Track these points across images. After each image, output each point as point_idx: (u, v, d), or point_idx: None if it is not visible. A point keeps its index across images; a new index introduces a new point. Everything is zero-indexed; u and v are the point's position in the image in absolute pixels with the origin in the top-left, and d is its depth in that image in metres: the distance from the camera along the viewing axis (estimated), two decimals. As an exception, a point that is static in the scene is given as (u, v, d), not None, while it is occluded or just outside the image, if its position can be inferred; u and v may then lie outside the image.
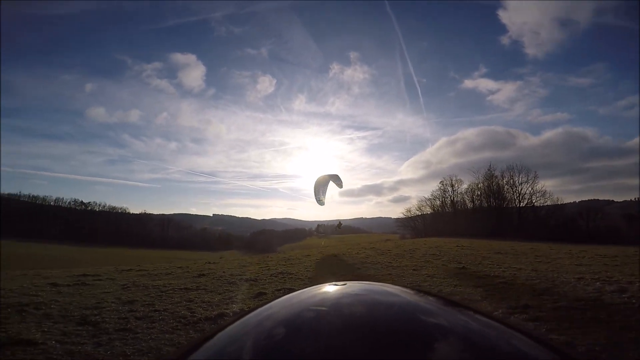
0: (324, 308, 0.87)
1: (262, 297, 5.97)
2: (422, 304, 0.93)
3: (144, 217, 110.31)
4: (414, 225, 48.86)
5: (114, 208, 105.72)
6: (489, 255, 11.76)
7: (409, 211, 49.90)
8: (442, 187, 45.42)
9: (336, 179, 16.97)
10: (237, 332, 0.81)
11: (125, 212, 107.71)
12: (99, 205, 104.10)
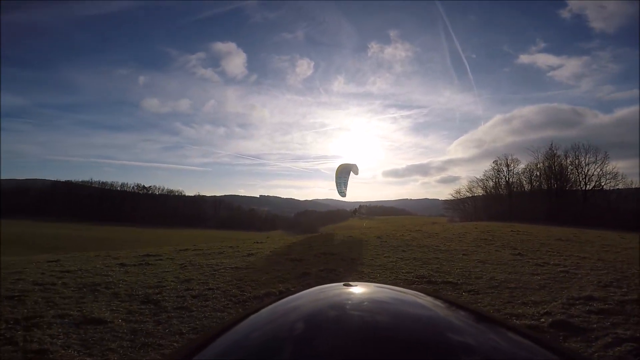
0: (325, 316, 0.81)
1: (307, 277, 6.18)
2: (432, 311, 0.86)
3: (198, 199, 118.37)
4: (463, 208, 46.48)
5: (171, 191, 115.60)
6: (548, 241, 10.89)
7: (459, 192, 47.25)
8: (495, 167, 42.10)
9: (355, 169, 17.01)
10: (240, 336, 0.78)
11: (182, 195, 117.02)
12: (159, 188, 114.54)
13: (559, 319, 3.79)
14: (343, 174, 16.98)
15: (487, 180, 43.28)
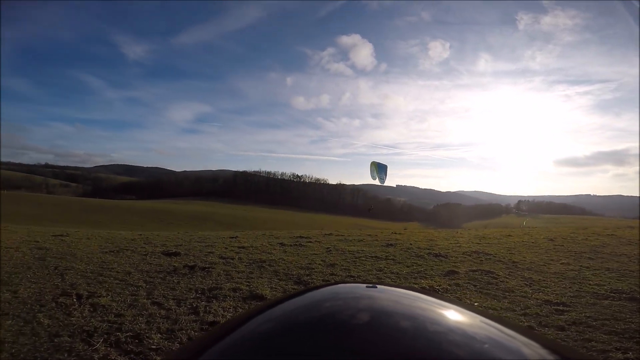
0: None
1: (454, 276, 5.51)
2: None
3: (339, 187, 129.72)
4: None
5: (318, 179, 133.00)
6: None
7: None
8: None
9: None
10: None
11: (326, 183, 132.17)
12: (308, 177, 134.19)
13: None
14: (381, 167, 15.81)
15: None
